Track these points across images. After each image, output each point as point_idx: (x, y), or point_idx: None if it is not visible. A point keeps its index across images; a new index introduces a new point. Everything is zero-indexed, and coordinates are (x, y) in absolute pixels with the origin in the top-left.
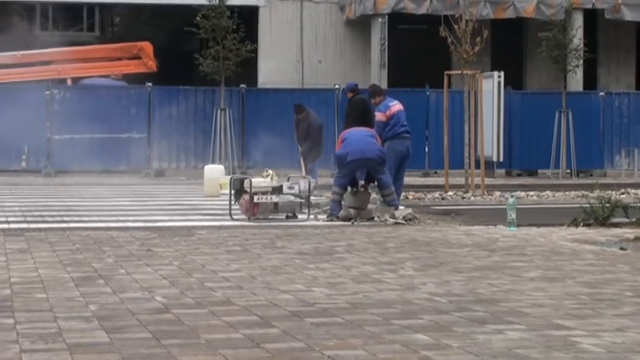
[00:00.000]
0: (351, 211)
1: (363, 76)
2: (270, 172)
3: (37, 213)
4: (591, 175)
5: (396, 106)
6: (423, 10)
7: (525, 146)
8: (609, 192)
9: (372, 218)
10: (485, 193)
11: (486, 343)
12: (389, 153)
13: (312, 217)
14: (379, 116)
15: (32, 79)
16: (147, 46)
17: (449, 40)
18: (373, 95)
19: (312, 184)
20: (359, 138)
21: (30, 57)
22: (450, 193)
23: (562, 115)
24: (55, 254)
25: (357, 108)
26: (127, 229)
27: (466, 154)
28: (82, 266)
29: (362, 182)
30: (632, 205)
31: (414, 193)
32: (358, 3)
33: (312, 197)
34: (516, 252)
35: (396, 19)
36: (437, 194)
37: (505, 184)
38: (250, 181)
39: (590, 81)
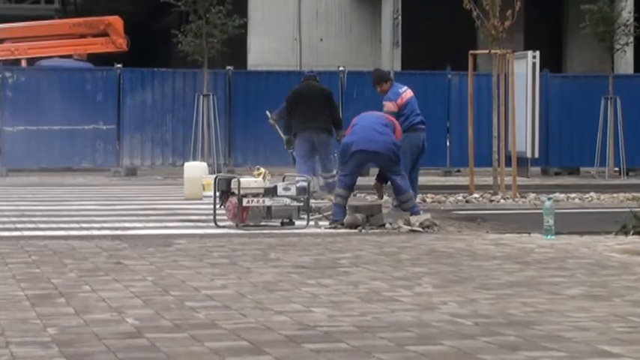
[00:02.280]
0: (359, 216)
1: (372, 57)
2: (263, 170)
3: None
4: None
5: (407, 92)
6: None
7: (565, 140)
8: None
9: (384, 225)
10: (518, 195)
11: None
12: (404, 148)
13: (312, 223)
14: (389, 106)
15: None
16: (116, 21)
17: (474, 13)
18: (379, 82)
19: (322, 183)
20: (368, 125)
21: None
22: (476, 195)
23: (609, 102)
24: (6, 268)
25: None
26: (92, 237)
27: (495, 148)
28: (39, 282)
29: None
30: None
31: (432, 196)
32: None
33: (312, 200)
34: (555, 265)
35: None
36: (460, 196)
37: (541, 185)
38: (239, 181)
39: None
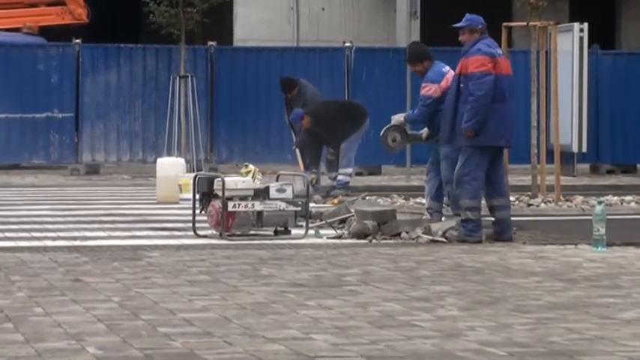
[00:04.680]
0: (368, 224)
1: (385, 30)
2: (252, 168)
3: None
4: None
5: (451, 72)
6: None
7: (619, 131)
8: None
9: (399, 234)
10: (562, 198)
11: None
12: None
13: (311, 232)
14: (431, 89)
15: None
16: None
17: None
18: (419, 59)
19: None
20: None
21: None
22: (511, 197)
23: None
24: None
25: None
26: (45, 249)
27: (534, 142)
28: None
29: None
30: None
31: None
32: None
33: (312, 204)
34: (606, 283)
35: None
36: None
37: (590, 185)
38: (223, 181)
39: None
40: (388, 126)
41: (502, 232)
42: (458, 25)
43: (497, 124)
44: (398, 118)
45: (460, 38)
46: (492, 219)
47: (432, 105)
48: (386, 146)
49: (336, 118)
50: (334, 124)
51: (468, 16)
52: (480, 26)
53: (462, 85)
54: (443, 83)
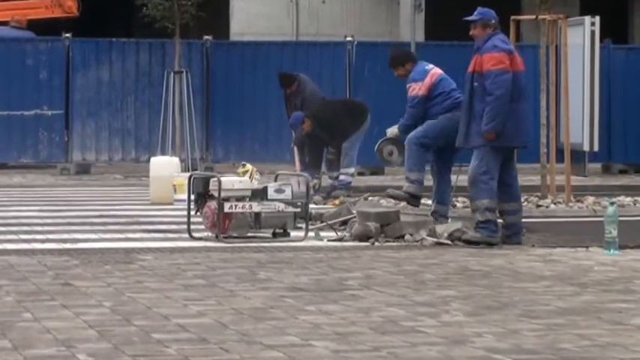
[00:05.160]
0: (371, 225)
1: (388, 24)
2: (249, 167)
3: None
4: None
5: (435, 69)
6: None
7: (632, 129)
8: None
9: (402, 236)
10: (572, 198)
11: None
12: (446, 127)
13: (311, 234)
14: (415, 89)
15: None
16: None
17: None
18: (400, 63)
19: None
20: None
21: None
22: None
23: None
24: None
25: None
26: (34, 252)
27: (543, 140)
28: None
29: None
30: None
31: (464, 199)
32: None
33: (312, 205)
34: (619, 287)
35: None
36: None
37: (602, 186)
38: (219, 181)
39: None
40: (383, 139)
41: (512, 236)
42: (470, 18)
43: (515, 123)
44: (392, 131)
45: (471, 33)
46: (501, 222)
47: (420, 104)
48: (382, 160)
49: (337, 119)
50: (335, 124)
51: (480, 9)
52: (493, 21)
53: (475, 84)
54: (427, 80)
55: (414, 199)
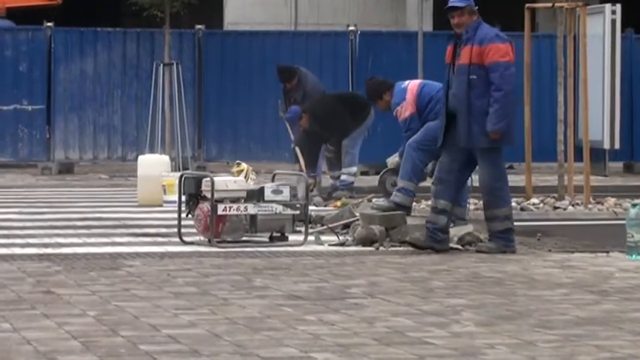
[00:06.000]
0: (375, 229)
1: (393, 12)
2: (245, 166)
3: None
4: None
5: (411, 82)
6: None
7: None
8: None
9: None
10: (592, 200)
11: None
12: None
13: (311, 238)
14: (401, 111)
15: None
16: None
17: None
18: (379, 95)
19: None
20: None
21: None
22: (535, 200)
23: None
24: None
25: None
26: (13, 258)
27: (560, 137)
28: None
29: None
30: None
31: (476, 201)
32: None
33: (311, 207)
34: None
35: None
36: (513, 202)
37: (623, 187)
38: (212, 182)
39: None
40: (384, 170)
41: (443, 241)
42: (455, 4)
43: (511, 121)
44: (393, 160)
45: (456, 21)
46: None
47: (413, 124)
48: (385, 192)
49: (336, 114)
50: (333, 120)
51: None
52: (476, 7)
53: (473, 77)
54: (408, 96)
55: (402, 209)
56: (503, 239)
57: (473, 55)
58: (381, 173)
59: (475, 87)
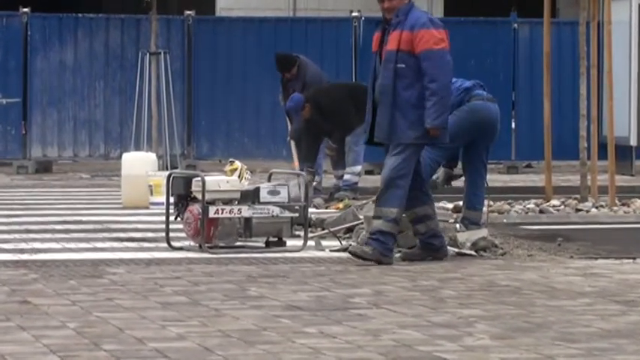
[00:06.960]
0: None
1: None
2: (238, 165)
3: None
4: None
5: None
6: None
7: None
8: None
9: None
10: (617, 201)
11: None
12: (458, 123)
13: (311, 243)
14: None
15: None
16: None
17: None
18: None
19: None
20: None
21: None
22: (555, 201)
23: None
24: None
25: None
26: None
27: (583, 133)
28: None
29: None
30: None
31: (492, 203)
32: None
33: (311, 209)
34: None
35: None
36: (531, 204)
37: None
38: (203, 181)
39: None
40: None
41: (440, 249)
42: None
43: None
44: None
45: (386, 5)
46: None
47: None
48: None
49: (341, 106)
50: (338, 112)
51: None
52: None
53: (400, 65)
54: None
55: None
56: (382, 244)
57: (402, 41)
58: None
59: (403, 77)
